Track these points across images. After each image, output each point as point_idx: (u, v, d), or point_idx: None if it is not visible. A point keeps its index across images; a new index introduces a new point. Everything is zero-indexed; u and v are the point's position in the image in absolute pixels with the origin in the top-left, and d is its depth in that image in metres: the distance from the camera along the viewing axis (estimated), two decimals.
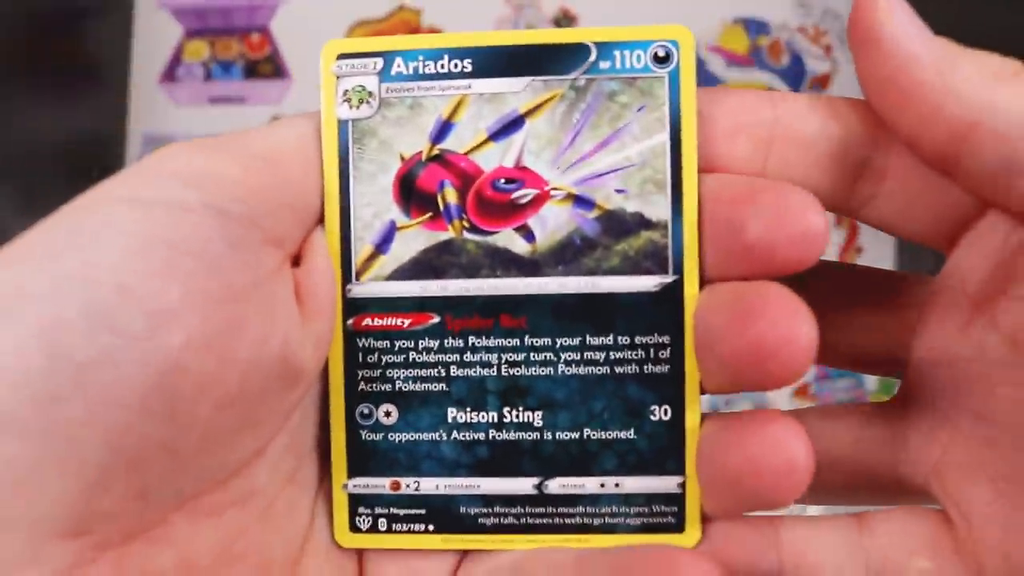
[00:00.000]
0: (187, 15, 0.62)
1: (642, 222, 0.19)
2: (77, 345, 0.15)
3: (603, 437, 0.19)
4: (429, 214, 0.19)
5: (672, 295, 0.18)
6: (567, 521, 0.19)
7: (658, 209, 0.19)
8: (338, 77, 0.19)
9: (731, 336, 0.17)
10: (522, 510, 0.19)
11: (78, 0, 0.59)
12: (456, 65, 0.19)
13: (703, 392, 0.19)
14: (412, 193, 0.19)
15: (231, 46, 0.62)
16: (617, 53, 0.19)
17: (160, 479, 0.16)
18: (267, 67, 0.62)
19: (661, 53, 0.19)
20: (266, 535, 0.18)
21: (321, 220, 0.19)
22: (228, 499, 0.18)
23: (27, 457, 0.15)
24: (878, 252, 0.60)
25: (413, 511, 0.19)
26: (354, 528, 0.19)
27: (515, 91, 0.19)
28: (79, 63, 0.59)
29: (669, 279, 0.18)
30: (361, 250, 0.19)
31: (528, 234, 0.19)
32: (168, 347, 0.16)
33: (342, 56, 0.19)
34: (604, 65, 0.19)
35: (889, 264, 0.60)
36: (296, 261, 0.19)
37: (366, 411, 0.19)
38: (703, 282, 0.19)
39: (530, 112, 0.19)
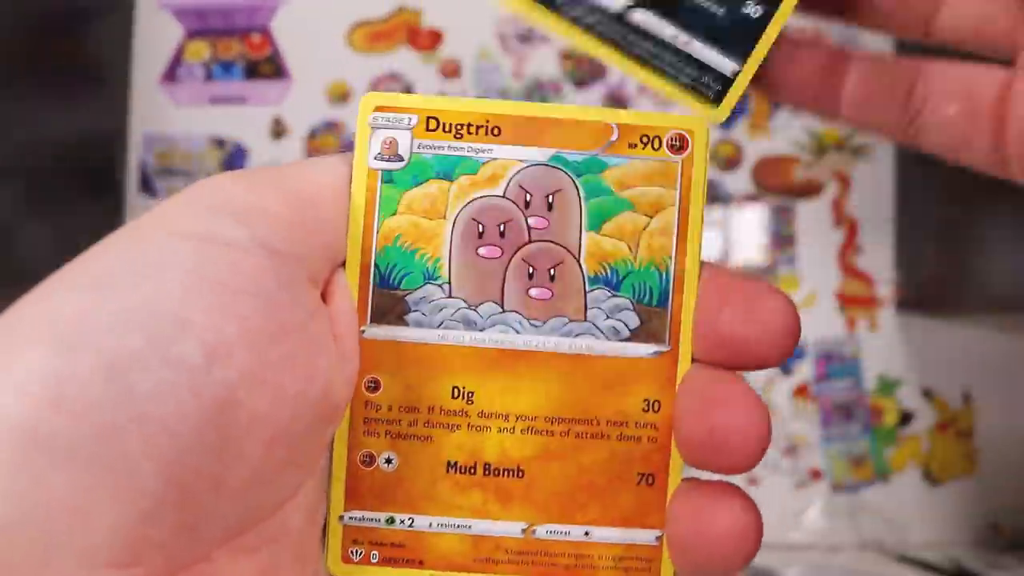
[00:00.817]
0: (188, 16, 0.62)
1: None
2: (138, 377, 0.15)
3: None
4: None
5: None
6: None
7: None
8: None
9: (694, 422, 0.19)
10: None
11: (79, 1, 0.59)
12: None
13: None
14: None
15: (232, 46, 0.62)
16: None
17: (209, 513, 0.16)
18: (268, 67, 0.62)
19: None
20: (296, 570, 0.19)
21: (343, 262, 0.20)
22: (265, 537, 0.18)
23: (83, 485, 0.15)
24: (878, 252, 0.60)
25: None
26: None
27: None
28: (80, 63, 0.59)
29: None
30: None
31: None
32: (224, 382, 0.16)
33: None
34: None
35: (889, 265, 0.60)
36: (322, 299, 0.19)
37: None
38: (693, 360, 0.20)
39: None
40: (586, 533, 0.20)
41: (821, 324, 0.60)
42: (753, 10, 0.21)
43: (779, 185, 0.61)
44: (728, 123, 0.61)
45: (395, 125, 0.20)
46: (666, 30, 0.20)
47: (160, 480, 0.16)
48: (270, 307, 0.17)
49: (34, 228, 0.51)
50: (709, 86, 0.21)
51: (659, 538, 0.20)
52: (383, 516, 0.20)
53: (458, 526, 0.20)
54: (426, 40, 0.62)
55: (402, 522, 0.20)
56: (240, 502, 0.17)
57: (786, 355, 0.19)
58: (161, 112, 0.62)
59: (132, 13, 0.62)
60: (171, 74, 0.62)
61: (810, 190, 0.61)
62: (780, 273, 0.61)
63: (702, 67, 0.21)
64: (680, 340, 0.20)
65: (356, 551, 0.20)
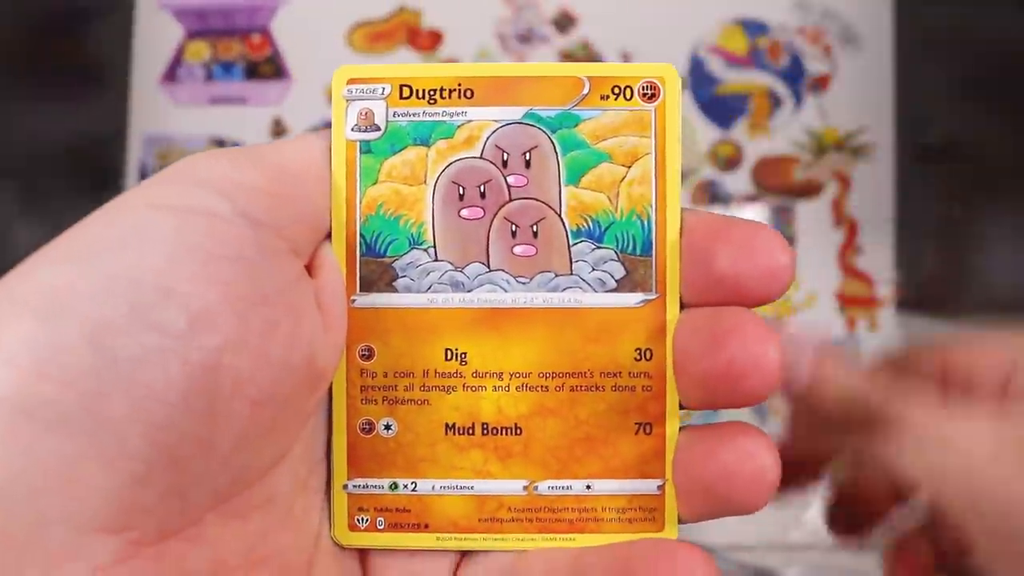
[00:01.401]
0: (188, 16, 0.62)
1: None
2: (123, 344, 0.16)
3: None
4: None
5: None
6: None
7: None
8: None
9: (705, 358, 0.19)
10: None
11: (79, 1, 0.59)
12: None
13: (681, 408, 0.20)
14: None
15: (232, 47, 0.62)
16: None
17: (198, 477, 0.17)
18: (268, 68, 0.62)
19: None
20: (285, 538, 0.19)
21: (328, 235, 0.20)
22: (254, 502, 0.18)
23: (72, 452, 0.15)
24: (878, 252, 0.60)
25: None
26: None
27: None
28: (80, 64, 0.59)
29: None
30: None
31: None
32: (208, 346, 0.16)
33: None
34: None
35: (889, 265, 0.60)
36: (308, 271, 0.20)
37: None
38: (682, 306, 0.20)
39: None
40: (588, 487, 0.20)
41: (821, 324, 0.60)
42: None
43: (779, 185, 0.61)
44: (728, 123, 0.61)
45: (369, 96, 0.20)
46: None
47: (148, 444, 0.16)
48: (252, 274, 0.17)
49: (34, 228, 0.51)
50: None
51: (661, 487, 0.20)
52: (386, 482, 0.20)
53: (460, 487, 0.20)
54: (426, 40, 0.62)
55: (405, 487, 0.20)
56: (228, 465, 0.17)
57: (783, 290, 0.19)
58: (161, 112, 0.62)
59: (132, 13, 0.62)
60: (171, 74, 0.62)
61: (810, 190, 0.61)
62: None
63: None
64: (667, 287, 0.20)
65: (362, 519, 0.20)
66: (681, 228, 0.20)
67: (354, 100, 0.20)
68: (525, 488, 0.20)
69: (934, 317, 0.59)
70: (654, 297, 0.20)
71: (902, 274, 0.60)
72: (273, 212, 0.18)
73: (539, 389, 0.20)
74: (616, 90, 0.20)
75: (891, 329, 0.60)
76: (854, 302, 0.60)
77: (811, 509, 0.59)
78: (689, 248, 0.20)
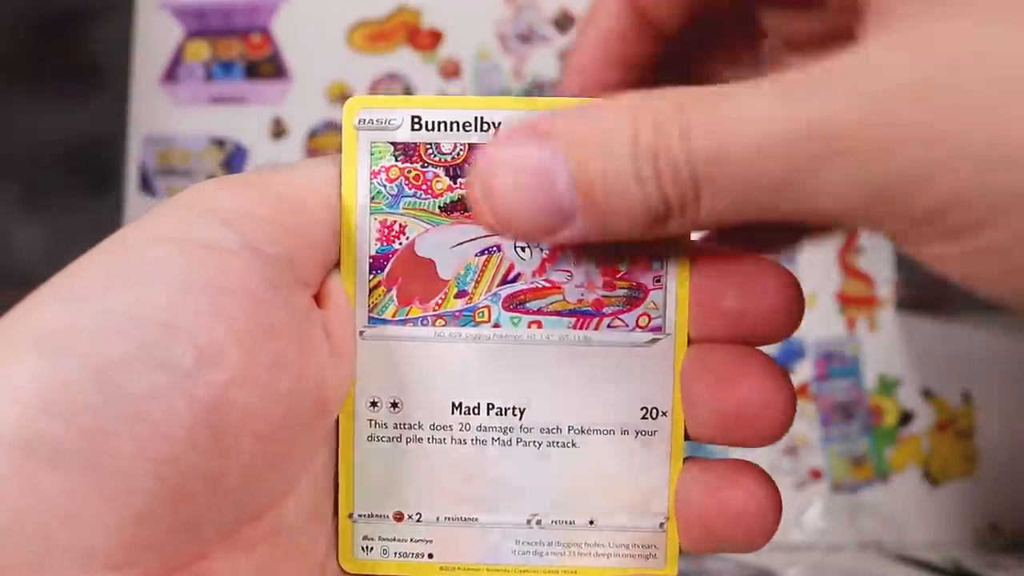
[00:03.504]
0: (188, 16, 0.62)
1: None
2: (128, 381, 0.16)
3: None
4: None
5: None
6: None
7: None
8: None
9: (715, 398, 0.19)
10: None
11: (79, 1, 0.59)
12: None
13: (687, 439, 0.20)
14: None
15: (232, 47, 0.62)
16: None
17: (204, 512, 0.17)
18: (268, 67, 0.62)
19: None
20: (292, 568, 0.19)
21: (337, 264, 0.20)
22: (260, 534, 0.18)
23: (77, 489, 0.15)
24: (878, 252, 0.60)
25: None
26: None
27: None
28: (80, 64, 0.59)
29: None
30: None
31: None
32: (215, 382, 0.16)
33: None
34: None
35: (889, 263, 0.60)
36: (316, 302, 0.19)
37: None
38: (689, 341, 0.20)
39: None
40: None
41: (821, 324, 0.60)
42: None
43: None
44: None
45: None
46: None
47: (153, 481, 0.16)
48: (259, 308, 0.17)
49: (34, 228, 0.51)
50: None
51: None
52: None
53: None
54: (426, 40, 0.62)
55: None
56: (235, 500, 0.17)
57: (794, 329, 0.19)
58: (161, 112, 0.62)
59: (132, 13, 0.62)
60: (171, 74, 0.62)
61: None
62: None
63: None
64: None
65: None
66: (690, 263, 0.20)
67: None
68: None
69: (934, 317, 0.59)
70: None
71: (902, 274, 0.60)
72: (280, 243, 0.18)
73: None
74: None
75: (891, 329, 0.60)
76: (854, 302, 0.60)
77: (811, 509, 0.59)
78: (698, 285, 0.20)
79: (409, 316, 0.20)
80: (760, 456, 0.20)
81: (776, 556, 0.56)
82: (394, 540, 0.20)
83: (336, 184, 0.20)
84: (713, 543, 0.20)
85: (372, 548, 0.20)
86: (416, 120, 0.20)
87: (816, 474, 0.60)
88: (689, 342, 0.20)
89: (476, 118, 0.20)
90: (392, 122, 0.20)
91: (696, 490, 0.20)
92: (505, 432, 0.20)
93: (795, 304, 0.19)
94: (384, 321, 0.20)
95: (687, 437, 0.20)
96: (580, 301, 0.20)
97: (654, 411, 0.20)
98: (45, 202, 0.52)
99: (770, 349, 0.20)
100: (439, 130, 0.20)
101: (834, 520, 0.59)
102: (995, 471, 0.59)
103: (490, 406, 0.20)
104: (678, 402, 0.20)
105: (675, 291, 0.20)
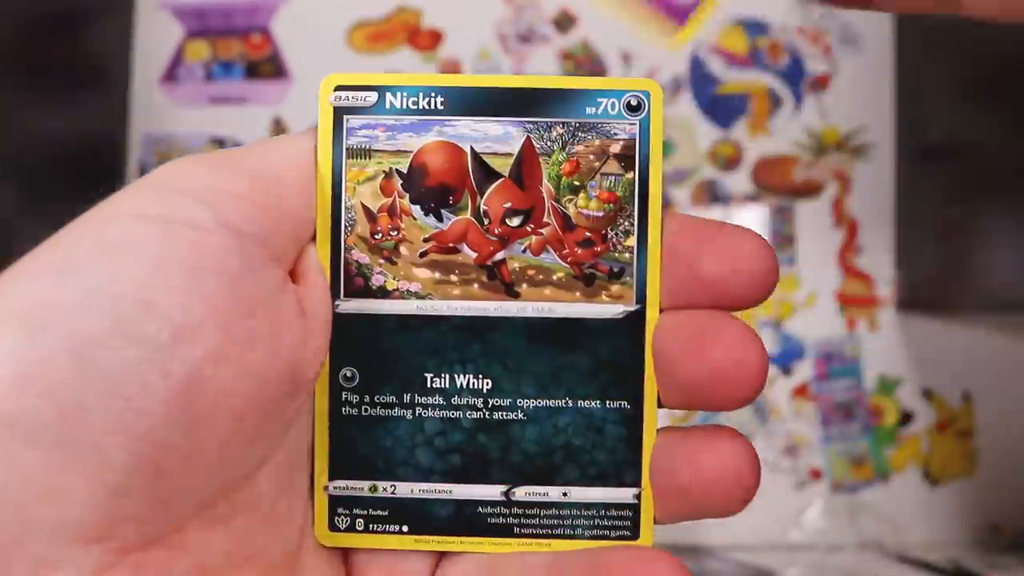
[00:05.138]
0: (188, 16, 0.62)
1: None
2: (104, 357, 0.16)
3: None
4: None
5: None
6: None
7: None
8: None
9: (688, 362, 0.19)
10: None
11: (79, 1, 0.59)
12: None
13: (661, 407, 0.20)
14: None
15: (232, 46, 0.62)
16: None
17: (179, 486, 0.17)
18: (268, 67, 0.62)
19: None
20: (269, 539, 0.19)
21: (313, 238, 0.20)
22: (236, 506, 0.18)
23: (53, 464, 0.15)
24: (878, 252, 0.60)
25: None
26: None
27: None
28: (80, 64, 0.59)
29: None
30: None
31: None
32: (190, 359, 0.16)
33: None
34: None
35: (889, 263, 0.60)
36: (291, 278, 0.20)
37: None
38: (660, 309, 0.20)
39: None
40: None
41: (821, 324, 0.60)
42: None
43: (779, 185, 0.61)
44: (728, 123, 0.61)
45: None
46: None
47: (129, 455, 0.16)
48: (235, 286, 0.17)
49: (34, 228, 0.51)
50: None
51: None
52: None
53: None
54: (426, 40, 0.62)
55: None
56: (210, 474, 0.17)
57: (767, 294, 0.20)
58: (161, 112, 0.62)
59: (132, 13, 0.62)
60: (171, 74, 0.62)
61: (810, 190, 0.61)
62: (780, 273, 0.60)
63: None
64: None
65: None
66: (662, 234, 0.20)
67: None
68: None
69: (934, 317, 0.59)
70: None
71: (902, 274, 0.60)
72: (255, 220, 0.18)
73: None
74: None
75: (891, 329, 0.60)
76: (854, 302, 0.60)
77: (811, 509, 0.59)
78: (672, 252, 0.20)
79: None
80: (759, 456, 0.20)
81: (776, 556, 0.56)
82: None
83: (312, 159, 0.20)
84: (691, 509, 0.20)
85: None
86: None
87: (816, 474, 0.60)
88: (661, 310, 0.20)
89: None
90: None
91: (671, 458, 0.20)
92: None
93: (771, 267, 0.19)
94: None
95: (660, 405, 0.20)
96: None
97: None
98: (45, 202, 0.52)
99: (770, 348, 0.20)
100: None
101: (834, 520, 0.59)
102: (995, 471, 0.59)
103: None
104: (650, 373, 0.20)
105: (647, 263, 0.20)
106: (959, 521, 0.59)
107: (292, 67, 0.62)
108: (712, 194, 0.61)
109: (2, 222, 0.50)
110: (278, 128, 0.62)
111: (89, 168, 0.59)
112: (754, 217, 0.61)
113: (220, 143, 0.62)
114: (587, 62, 0.61)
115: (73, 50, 0.58)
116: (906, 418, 0.60)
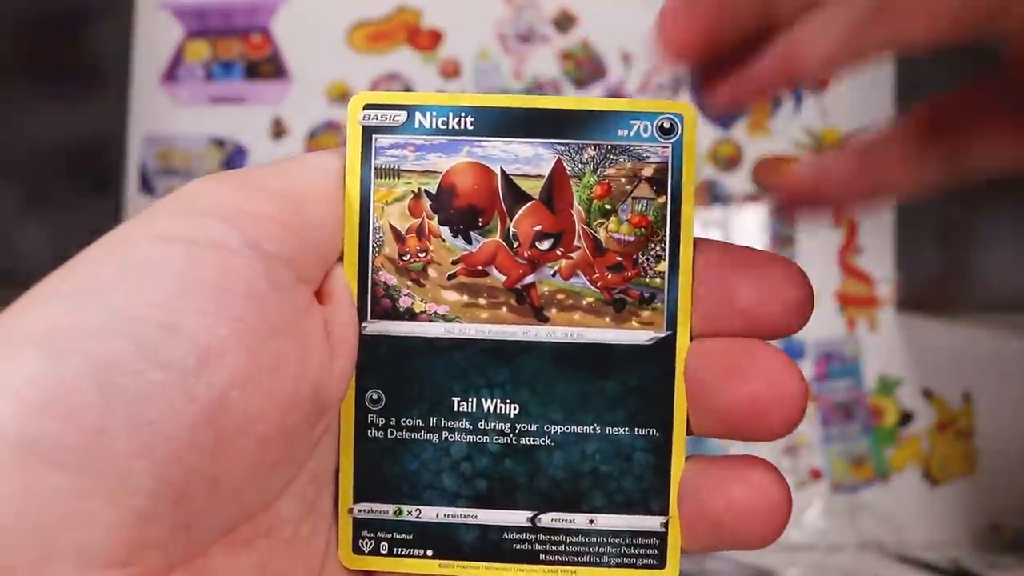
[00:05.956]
0: (188, 16, 0.62)
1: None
2: (129, 381, 0.16)
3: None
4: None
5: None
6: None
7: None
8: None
9: (726, 390, 0.19)
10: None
11: (79, 1, 0.59)
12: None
13: (690, 434, 0.20)
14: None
15: (232, 46, 0.62)
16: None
17: (204, 511, 0.17)
18: (268, 67, 0.62)
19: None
20: (292, 562, 0.19)
21: (340, 259, 0.20)
22: (260, 530, 0.18)
23: (76, 488, 0.15)
24: (878, 252, 0.60)
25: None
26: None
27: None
28: (80, 64, 0.59)
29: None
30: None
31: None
32: (215, 383, 0.16)
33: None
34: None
35: (889, 263, 0.60)
36: (318, 298, 0.19)
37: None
38: (693, 336, 0.20)
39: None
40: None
41: (821, 324, 0.60)
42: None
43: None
44: (728, 123, 0.61)
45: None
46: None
47: (153, 480, 0.16)
48: (261, 308, 0.17)
49: (34, 229, 0.51)
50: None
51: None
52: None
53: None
54: (426, 40, 0.62)
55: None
56: (234, 499, 0.17)
57: (804, 323, 0.19)
58: (161, 112, 0.62)
59: (132, 13, 0.62)
60: (171, 74, 0.62)
61: None
62: None
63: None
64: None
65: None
66: (694, 260, 0.20)
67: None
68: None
69: (934, 317, 0.59)
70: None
71: (902, 274, 0.60)
72: (282, 241, 0.18)
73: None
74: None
75: (891, 329, 0.60)
76: (854, 302, 0.60)
77: (811, 509, 0.59)
78: (705, 278, 0.20)
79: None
80: (759, 454, 0.20)
81: (776, 556, 0.56)
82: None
83: (339, 178, 0.20)
84: (721, 540, 0.19)
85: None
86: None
87: (816, 474, 0.60)
88: (692, 337, 0.20)
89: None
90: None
91: (702, 486, 0.19)
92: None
93: (807, 295, 0.19)
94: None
95: (690, 433, 0.20)
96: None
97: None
98: (45, 202, 0.52)
99: None
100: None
101: (834, 520, 0.59)
102: (995, 471, 0.59)
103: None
104: (680, 400, 0.20)
105: (678, 289, 0.20)
106: (959, 521, 0.59)
107: (292, 67, 0.62)
108: (712, 194, 0.61)
109: (2, 222, 0.50)
110: (278, 128, 0.62)
111: (89, 168, 0.59)
112: (754, 217, 0.61)
113: (220, 143, 0.62)
114: (587, 62, 0.61)
115: (73, 50, 0.58)
116: (906, 418, 0.60)
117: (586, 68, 0.61)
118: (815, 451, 0.60)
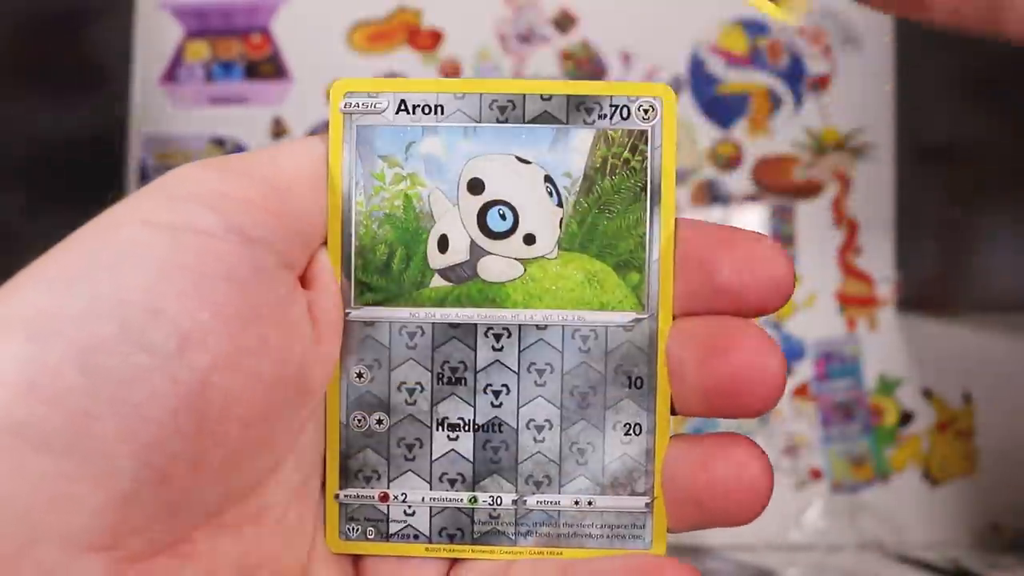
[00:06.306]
0: (188, 16, 0.62)
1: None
2: (111, 364, 0.16)
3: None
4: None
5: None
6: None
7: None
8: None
9: (707, 369, 0.19)
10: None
11: (79, 1, 0.59)
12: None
13: (674, 414, 0.20)
14: None
15: (232, 47, 0.62)
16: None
17: (187, 494, 0.17)
18: (268, 67, 0.62)
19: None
20: (278, 547, 0.19)
21: (324, 243, 0.20)
22: (245, 514, 0.18)
23: (62, 471, 0.15)
24: (878, 252, 0.60)
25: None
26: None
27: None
28: (80, 64, 0.59)
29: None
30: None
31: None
32: (198, 366, 0.16)
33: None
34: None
35: (889, 263, 0.60)
36: (302, 283, 0.19)
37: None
38: (673, 316, 0.20)
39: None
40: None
41: (821, 324, 0.60)
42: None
43: (779, 185, 0.61)
44: (728, 123, 0.61)
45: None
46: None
47: (137, 463, 0.16)
48: (244, 292, 0.17)
49: (34, 229, 0.51)
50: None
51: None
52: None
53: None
54: (426, 40, 0.62)
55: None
56: (218, 483, 0.17)
57: (784, 301, 0.19)
58: (161, 112, 0.62)
59: (132, 13, 0.62)
60: (171, 74, 0.62)
61: (810, 190, 0.61)
62: None
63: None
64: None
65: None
66: (675, 240, 0.20)
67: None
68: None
69: (934, 317, 0.59)
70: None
71: (902, 274, 0.60)
72: (265, 226, 0.18)
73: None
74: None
75: (891, 329, 0.60)
76: (854, 302, 0.60)
77: (811, 509, 0.59)
78: (686, 258, 0.20)
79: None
80: None
81: (776, 556, 0.56)
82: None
83: (323, 164, 0.20)
84: (706, 518, 0.20)
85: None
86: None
87: (816, 474, 0.60)
88: (674, 316, 0.20)
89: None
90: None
91: (685, 465, 0.20)
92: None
93: (788, 273, 0.19)
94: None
95: (674, 412, 0.20)
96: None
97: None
98: (45, 202, 0.52)
99: None
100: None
101: (834, 520, 0.59)
102: (995, 471, 0.59)
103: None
104: (663, 380, 0.20)
105: (659, 269, 0.20)
106: (959, 521, 0.59)
107: (292, 67, 0.62)
108: (712, 194, 0.61)
109: (3, 222, 0.50)
110: (278, 128, 0.62)
111: (89, 168, 0.59)
112: (754, 217, 0.61)
113: (220, 143, 0.62)
114: (587, 62, 0.61)
115: (73, 50, 0.58)
116: (906, 418, 0.60)
117: (586, 68, 0.61)
118: (815, 451, 0.60)
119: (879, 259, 0.60)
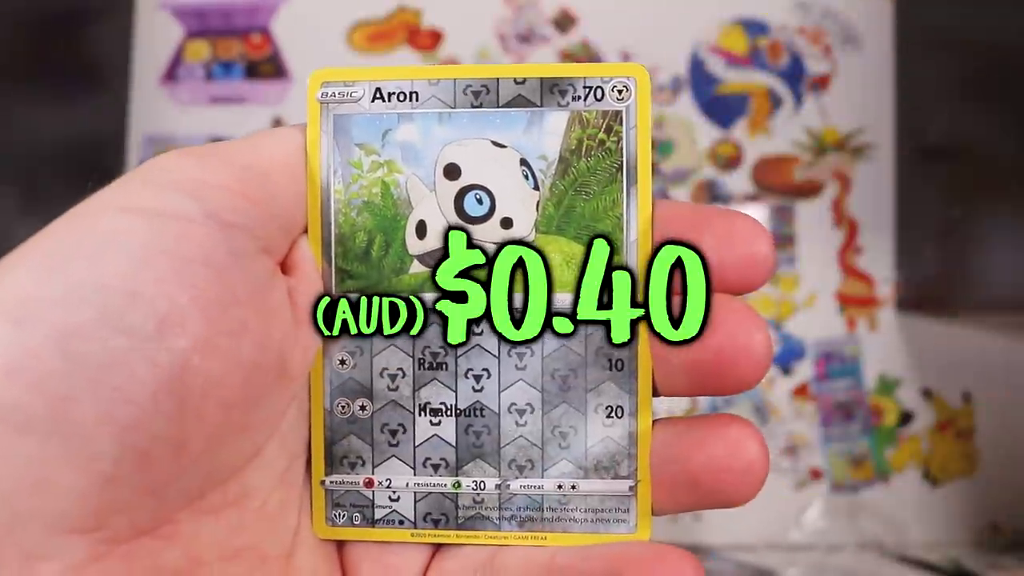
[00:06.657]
0: (188, 16, 0.62)
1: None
2: (91, 348, 0.16)
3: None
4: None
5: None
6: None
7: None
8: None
9: (691, 347, 0.19)
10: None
11: (79, 1, 0.59)
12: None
13: (657, 395, 0.20)
14: None
15: (232, 46, 0.62)
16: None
17: (169, 476, 0.17)
18: (268, 67, 0.62)
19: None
20: (262, 532, 0.19)
21: (305, 230, 0.20)
22: (228, 498, 0.18)
23: (43, 454, 0.15)
24: (878, 252, 0.60)
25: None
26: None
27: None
28: (80, 64, 0.59)
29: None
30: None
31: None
32: (177, 349, 0.17)
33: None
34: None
35: (889, 263, 0.60)
36: (283, 270, 0.20)
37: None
38: None
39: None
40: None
41: (821, 324, 0.60)
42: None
43: (779, 185, 0.61)
44: (728, 123, 0.61)
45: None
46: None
47: (118, 446, 0.16)
48: (222, 276, 0.17)
49: (34, 228, 0.51)
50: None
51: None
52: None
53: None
54: (426, 40, 0.62)
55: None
56: (200, 465, 0.17)
57: (766, 278, 0.19)
58: (161, 112, 0.62)
59: (132, 13, 0.62)
60: (171, 74, 0.62)
61: (810, 190, 0.61)
62: (780, 273, 0.61)
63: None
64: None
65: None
66: (652, 220, 0.20)
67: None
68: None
69: (934, 317, 0.59)
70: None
71: (902, 274, 0.60)
72: (243, 212, 0.18)
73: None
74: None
75: (891, 329, 0.60)
76: (854, 302, 0.60)
77: (811, 509, 0.59)
78: (665, 238, 0.20)
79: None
80: None
81: (776, 556, 0.56)
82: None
83: (302, 152, 0.20)
84: (701, 499, 0.19)
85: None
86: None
87: (816, 474, 0.60)
88: None
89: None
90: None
91: (678, 447, 0.19)
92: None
93: (770, 251, 0.19)
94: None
95: (657, 393, 0.20)
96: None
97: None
98: (45, 202, 0.52)
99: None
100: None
101: (834, 520, 0.59)
102: (995, 471, 0.59)
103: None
104: (644, 361, 0.20)
105: (637, 250, 0.20)
106: (959, 521, 0.59)
107: (292, 67, 0.62)
108: (712, 194, 0.61)
109: (2, 222, 0.50)
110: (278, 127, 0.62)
111: (89, 168, 0.59)
112: (754, 217, 0.61)
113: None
114: (586, 62, 0.62)
115: (73, 50, 0.58)
116: (906, 418, 0.60)
117: None
118: (815, 451, 0.60)
119: (879, 259, 0.60)
